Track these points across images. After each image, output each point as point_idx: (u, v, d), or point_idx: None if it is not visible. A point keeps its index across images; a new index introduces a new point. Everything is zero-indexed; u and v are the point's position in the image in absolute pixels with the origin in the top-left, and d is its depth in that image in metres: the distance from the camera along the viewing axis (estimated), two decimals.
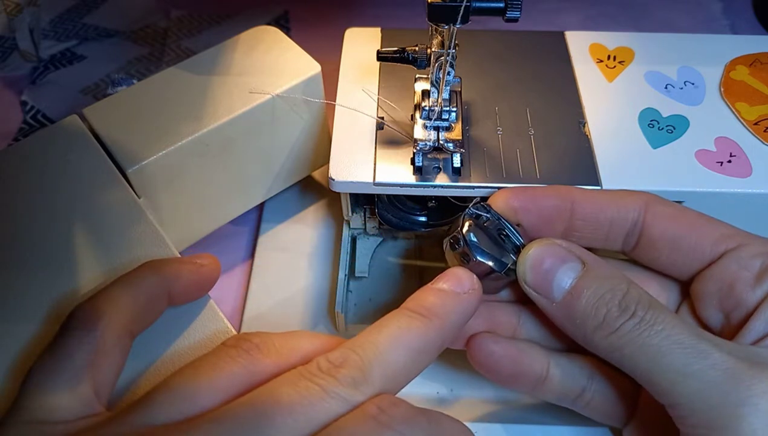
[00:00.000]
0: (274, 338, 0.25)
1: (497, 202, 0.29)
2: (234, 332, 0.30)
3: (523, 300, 0.30)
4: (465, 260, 0.28)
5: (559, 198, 0.29)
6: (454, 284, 0.27)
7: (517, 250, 0.28)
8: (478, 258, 0.28)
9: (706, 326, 0.28)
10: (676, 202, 0.30)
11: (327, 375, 0.23)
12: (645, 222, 0.29)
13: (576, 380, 0.30)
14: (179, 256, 0.31)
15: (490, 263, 0.28)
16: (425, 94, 0.34)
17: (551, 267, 0.27)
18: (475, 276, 0.27)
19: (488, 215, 0.29)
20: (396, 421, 0.22)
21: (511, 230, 0.29)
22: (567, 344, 0.30)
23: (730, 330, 0.27)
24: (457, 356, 0.33)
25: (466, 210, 0.29)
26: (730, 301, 0.27)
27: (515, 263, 0.28)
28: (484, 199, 0.30)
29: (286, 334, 0.26)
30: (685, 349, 0.24)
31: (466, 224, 0.29)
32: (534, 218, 0.29)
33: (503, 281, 0.29)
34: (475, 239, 0.28)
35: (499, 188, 0.31)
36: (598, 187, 0.32)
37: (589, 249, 0.30)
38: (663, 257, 0.29)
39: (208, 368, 0.24)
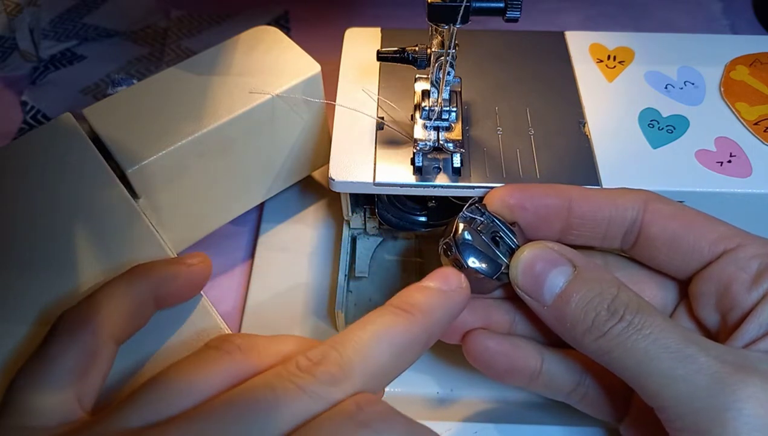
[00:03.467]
0: (258, 340, 0.25)
1: (493, 200, 0.29)
2: (227, 329, 0.30)
3: (517, 298, 0.30)
4: (458, 266, 0.28)
5: (556, 196, 0.29)
6: (441, 282, 0.27)
7: (512, 252, 0.28)
8: (470, 265, 0.28)
9: (703, 327, 0.28)
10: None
11: (305, 373, 0.23)
12: (644, 220, 0.28)
13: (569, 375, 0.30)
14: (172, 256, 0.31)
15: (482, 268, 0.28)
16: (425, 94, 0.34)
17: (542, 271, 0.27)
18: (462, 275, 0.27)
19: (482, 218, 0.29)
20: (374, 419, 0.22)
21: (505, 232, 0.29)
22: (561, 340, 0.30)
23: (726, 331, 0.27)
24: (456, 357, 0.33)
25: (460, 214, 0.29)
26: (726, 302, 0.27)
27: (508, 266, 0.28)
28: (480, 199, 0.30)
29: (271, 337, 0.26)
30: (672, 353, 0.24)
31: (459, 230, 0.28)
32: (530, 217, 0.29)
33: (497, 283, 0.29)
34: (467, 246, 0.28)
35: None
36: (598, 187, 0.32)
37: (588, 247, 0.30)
38: (662, 256, 0.29)
39: (190, 369, 0.24)
